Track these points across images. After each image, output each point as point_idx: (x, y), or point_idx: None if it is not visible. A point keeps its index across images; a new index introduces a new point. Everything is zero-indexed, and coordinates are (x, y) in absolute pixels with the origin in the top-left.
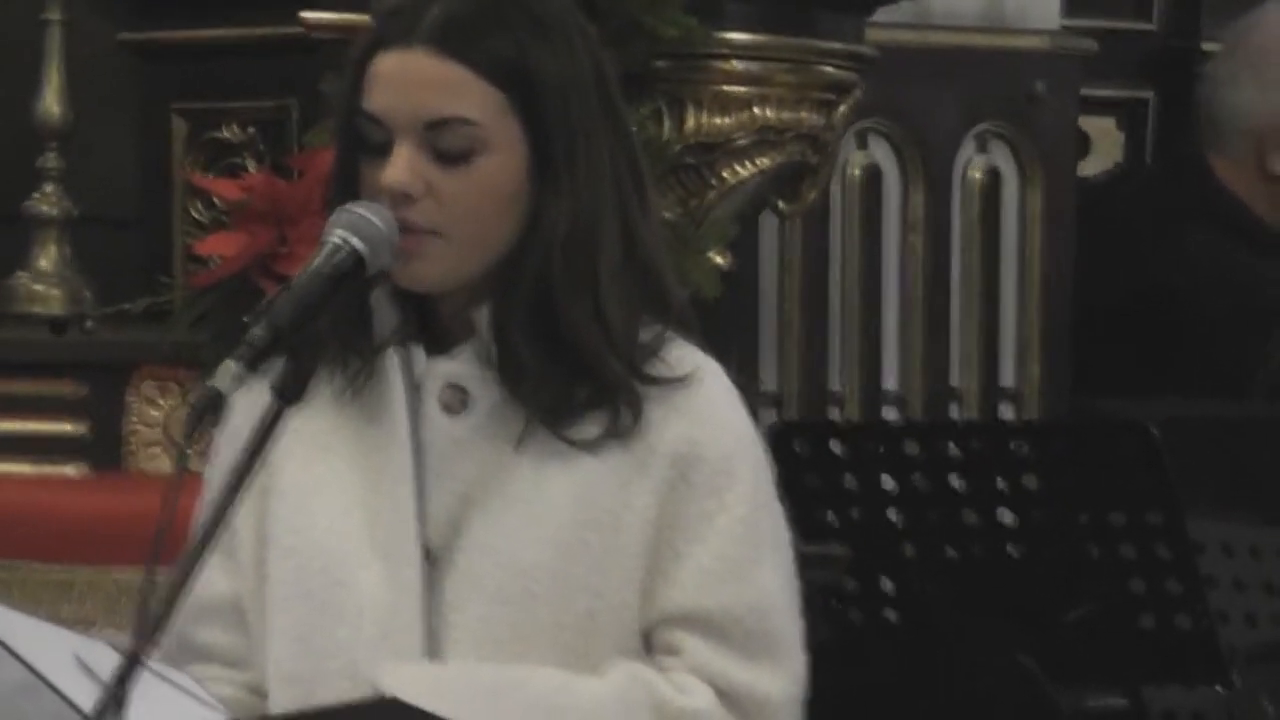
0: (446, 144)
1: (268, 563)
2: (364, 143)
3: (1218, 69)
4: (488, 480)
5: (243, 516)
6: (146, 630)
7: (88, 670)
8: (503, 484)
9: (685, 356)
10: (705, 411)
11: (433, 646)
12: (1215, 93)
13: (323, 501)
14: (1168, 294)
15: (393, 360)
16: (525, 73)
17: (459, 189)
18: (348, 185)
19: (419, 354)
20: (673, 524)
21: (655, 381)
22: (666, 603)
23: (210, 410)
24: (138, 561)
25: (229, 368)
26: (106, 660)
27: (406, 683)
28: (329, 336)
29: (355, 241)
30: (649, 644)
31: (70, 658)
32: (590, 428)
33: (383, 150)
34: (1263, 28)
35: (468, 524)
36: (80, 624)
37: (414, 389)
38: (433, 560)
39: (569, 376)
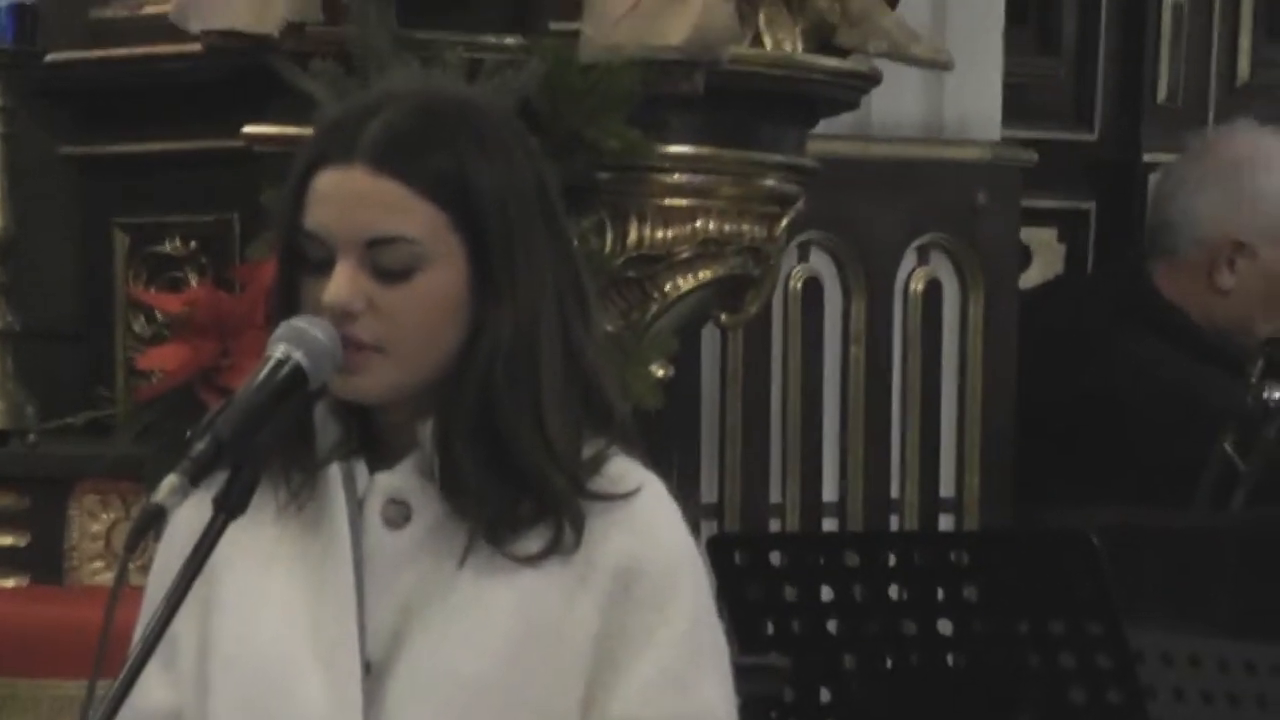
0: (387, 261)
1: (210, 674)
2: (305, 259)
3: (1181, 174)
4: (429, 593)
5: (184, 628)
6: None
7: None
8: (444, 597)
9: (628, 472)
10: (646, 526)
11: None
12: (1174, 197)
13: (266, 613)
14: (1110, 399)
15: (335, 474)
16: (465, 189)
17: (400, 305)
18: (290, 301)
19: (361, 468)
20: (614, 637)
21: (598, 497)
22: (608, 714)
23: (152, 524)
24: (79, 674)
25: (171, 482)
26: None
27: None
28: (272, 450)
29: (298, 355)
30: None
31: None
32: (533, 543)
33: (324, 267)
34: (1235, 143)
35: (409, 637)
36: None
37: (356, 503)
38: (374, 673)
39: (512, 491)
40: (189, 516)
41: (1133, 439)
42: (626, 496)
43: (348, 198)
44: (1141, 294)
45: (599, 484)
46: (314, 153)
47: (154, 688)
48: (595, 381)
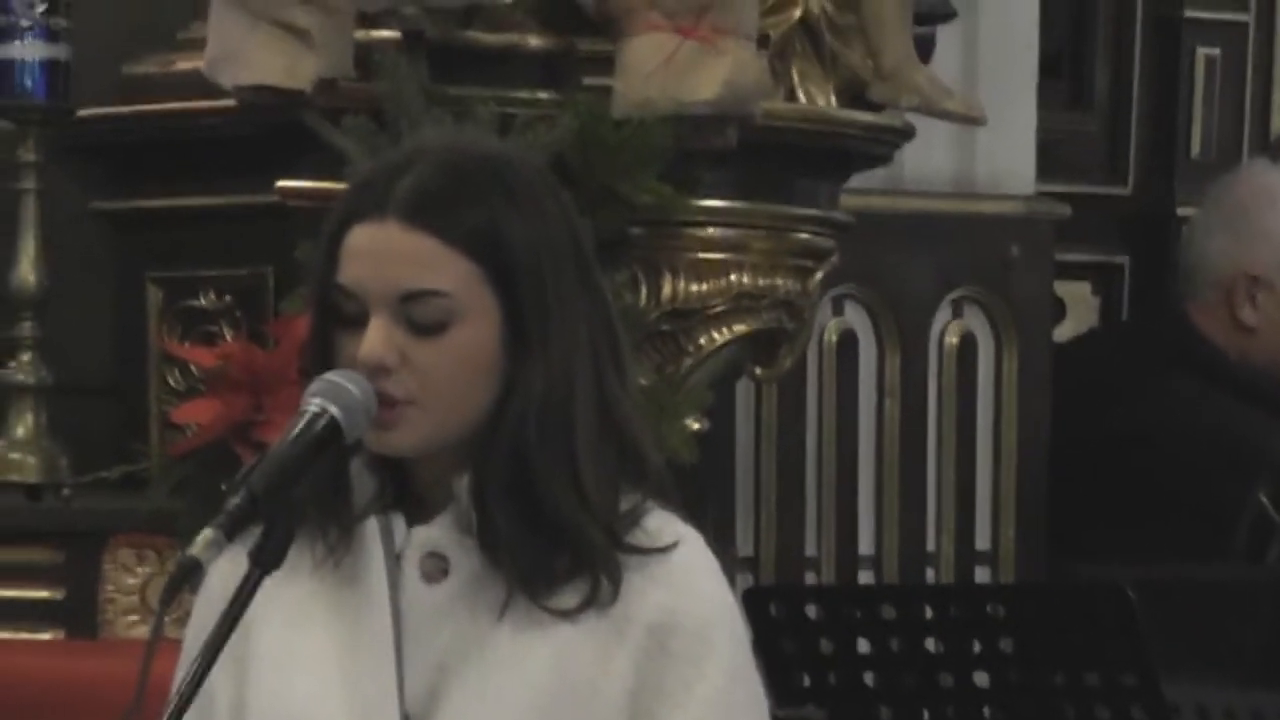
0: (421, 316)
1: None
2: (339, 314)
3: (1196, 220)
4: (467, 649)
5: (219, 684)
6: None
7: None
8: (481, 653)
9: (665, 526)
10: (683, 581)
11: None
12: (1191, 243)
13: (301, 669)
14: (1147, 440)
15: (372, 528)
16: (498, 243)
17: (434, 359)
18: (324, 355)
19: (399, 522)
20: (651, 692)
21: (635, 551)
22: None
23: (188, 578)
24: None
25: (207, 536)
26: None
27: None
28: (308, 505)
29: (333, 409)
30: None
31: None
32: (570, 597)
33: (358, 322)
34: (1241, 183)
35: (446, 693)
36: None
37: (394, 557)
38: None
39: (548, 545)
40: (225, 571)
41: (1170, 481)
42: (664, 550)
43: (381, 253)
44: (1180, 337)
45: (636, 538)
46: (347, 208)
47: None
48: (630, 435)
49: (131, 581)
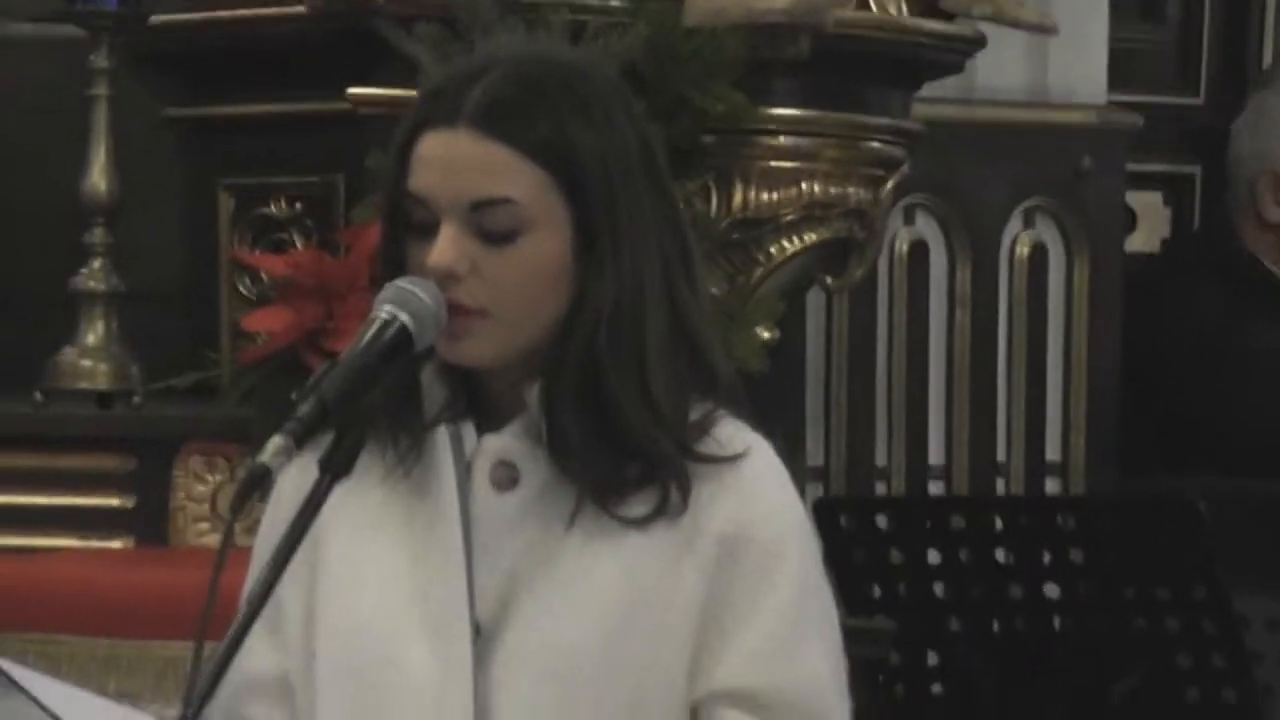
0: (491, 224)
1: (316, 639)
2: (410, 222)
3: (1235, 125)
4: (536, 558)
5: (290, 592)
6: (193, 704)
7: None
8: (551, 562)
9: (735, 435)
10: (754, 491)
11: None
12: (1229, 147)
13: (371, 578)
14: (1199, 361)
15: (443, 437)
16: (569, 152)
17: (504, 268)
18: (395, 263)
19: (469, 431)
20: (720, 603)
21: (705, 460)
22: (714, 681)
23: (258, 485)
24: (184, 636)
25: (276, 443)
26: None
27: None
28: (379, 413)
29: (403, 317)
30: None
31: None
32: (639, 506)
33: (428, 230)
34: (1269, 86)
35: (516, 601)
36: (126, 699)
37: (464, 466)
38: (481, 637)
39: (619, 454)
40: (295, 478)
41: (1233, 402)
42: (734, 459)
43: (452, 161)
44: (1221, 246)
45: (706, 446)
46: (419, 116)
47: (260, 651)
48: (701, 344)
49: (202, 489)
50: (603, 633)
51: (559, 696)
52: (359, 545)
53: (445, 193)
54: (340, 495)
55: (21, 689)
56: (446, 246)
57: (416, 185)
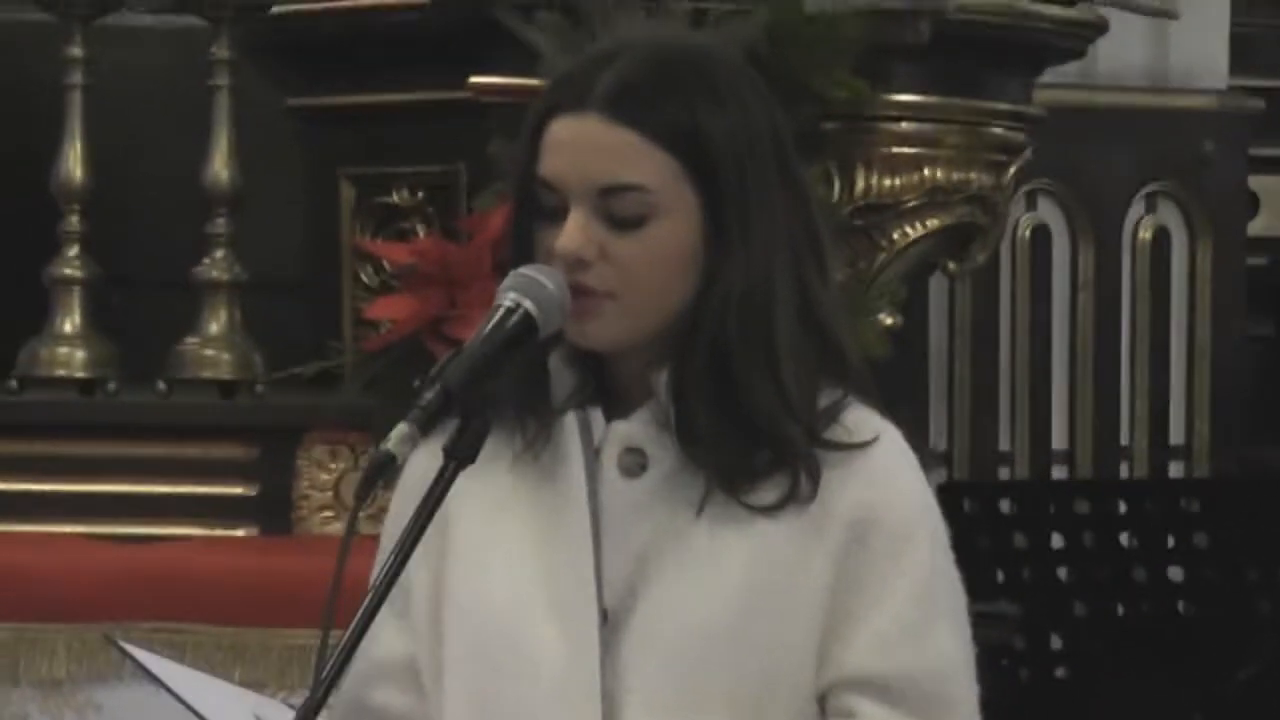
0: (620, 210)
1: (444, 624)
2: (539, 208)
3: None
4: (664, 543)
5: (418, 578)
6: (318, 690)
7: None
8: (679, 547)
9: (864, 421)
10: (882, 476)
11: (609, 709)
12: None
13: (499, 562)
14: None
15: (571, 423)
16: (698, 138)
17: (633, 253)
18: (523, 249)
19: (597, 416)
20: (849, 588)
21: (834, 447)
22: (842, 667)
23: (383, 472)
24: (308, 624)
25: (401, 430)
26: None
27: None
28: (506, 399)
29: (528, 304)
30: (824, 708)
31: (249, 717)
32: (769, 493)
33: (557, 215)
34: None
35: (644, 586)
36: (251, 686)
37: (592, 451)
38: (610, 622)
39: (747, 441)
40: (421, 465)
41: None
42: (863, 446)
43: (582, 146)
44: None
45: (835, 433)
46: (549, 101)
47: (388, 636)
48: (831, 330)
49: (326, 477)
50: (731, 617)
51: (687, 680)
52: (487, 529)
53: (574, 178)
54: (468, 480)
55: (151, 674)
56: (575, 231)
57: (546, 171)
